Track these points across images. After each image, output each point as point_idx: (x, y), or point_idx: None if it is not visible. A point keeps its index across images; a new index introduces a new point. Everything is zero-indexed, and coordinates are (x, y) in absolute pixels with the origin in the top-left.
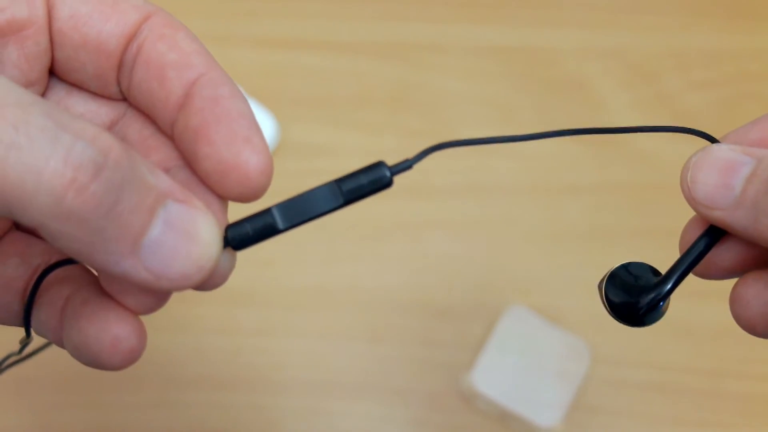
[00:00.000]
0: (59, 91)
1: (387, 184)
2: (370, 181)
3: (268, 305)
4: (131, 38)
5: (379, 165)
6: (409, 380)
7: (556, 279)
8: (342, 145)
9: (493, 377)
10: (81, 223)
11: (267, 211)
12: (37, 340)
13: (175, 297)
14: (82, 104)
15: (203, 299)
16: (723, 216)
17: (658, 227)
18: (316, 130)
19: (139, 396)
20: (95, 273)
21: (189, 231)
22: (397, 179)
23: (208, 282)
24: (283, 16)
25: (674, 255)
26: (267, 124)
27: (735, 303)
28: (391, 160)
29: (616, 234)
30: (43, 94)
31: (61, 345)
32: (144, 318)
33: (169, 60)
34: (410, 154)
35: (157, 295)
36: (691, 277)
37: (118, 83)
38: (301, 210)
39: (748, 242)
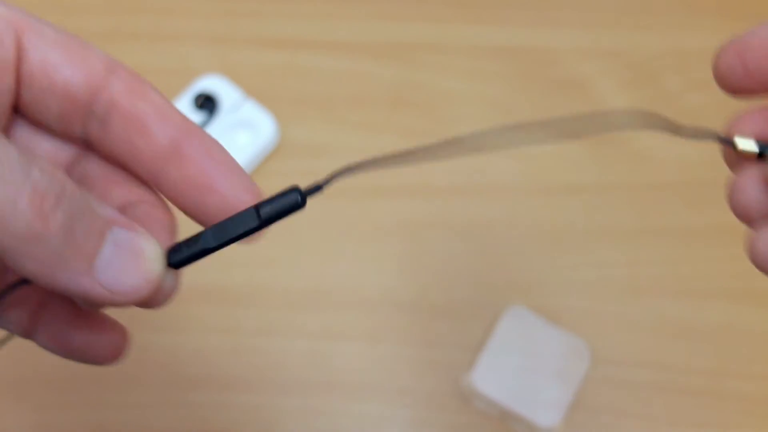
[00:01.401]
0: (22, 128)
1: (300, 206)
2: (284, 206)
3: (268, 305)
4: (98, 88)
5: (292, 191)
6: (409, 380)
7: (556, 279)
8: (342, 145)
9: (493, 377)
10: (45, 246)
11: (200, 234)
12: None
13: (175, 298)
14: (45, 142)
15: (203, 299)
16: None
17: (658, 227)
18: (316, 130)
19: (139, 396)
20: None
21: (135, 250)
22: (398, 179)
23: (156, 298)
24: (283, 16)
25: (674, 254)
26: (267, 124)
27: (732, 191)
28: None
29: (616, 234)
30: (7, 130)
31: (28, 338)
32: (144, 317)
33: (149, 115)
34: None
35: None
36: (691, 278)
37: (83, 127)
38: (228, 231)
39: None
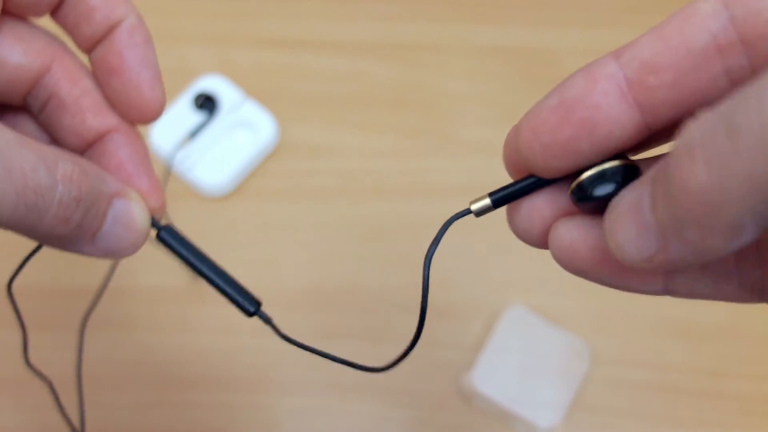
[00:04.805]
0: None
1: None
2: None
3: (268, 306)
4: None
5: (253, 304)
6: (409, 380)
7: (556, 279)
8: (342, 145)
9: (493, 377)
10: (61, 238)
11: (201, 255)
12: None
13: (175, 298)
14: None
15: (203, 299)
16: (664, 259)
17: None
18: (316, 130)
19: (139, 396)
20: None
21: (128, 224)
22: (397, 179)
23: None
24: (283, 16)
25: None
26: (267, 124)
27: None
28: (389, 159)
29: None
30: None
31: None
32: (144, 317)
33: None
34: (409, 153)
35: None
36: None
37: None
38: (210, 269)
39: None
